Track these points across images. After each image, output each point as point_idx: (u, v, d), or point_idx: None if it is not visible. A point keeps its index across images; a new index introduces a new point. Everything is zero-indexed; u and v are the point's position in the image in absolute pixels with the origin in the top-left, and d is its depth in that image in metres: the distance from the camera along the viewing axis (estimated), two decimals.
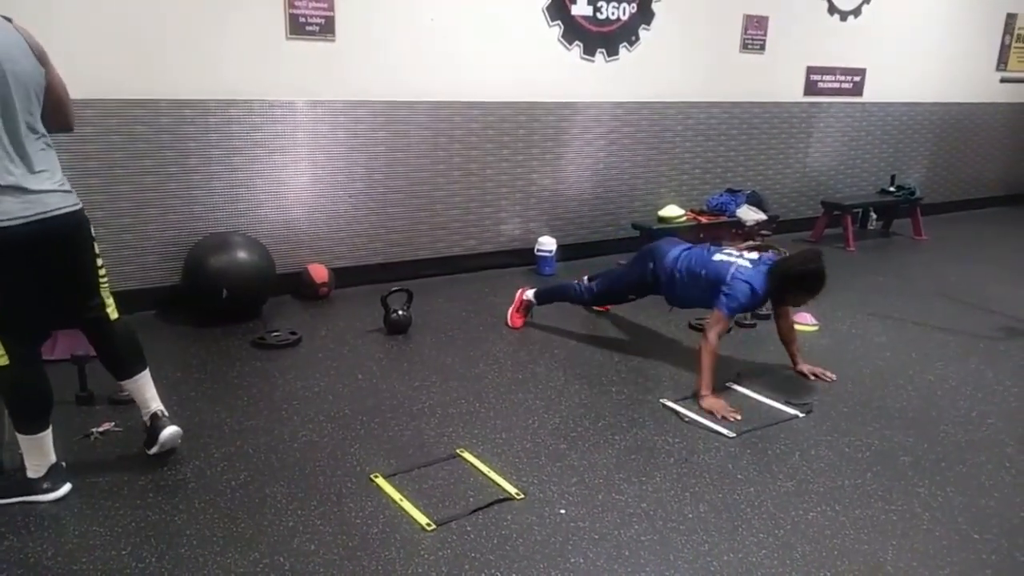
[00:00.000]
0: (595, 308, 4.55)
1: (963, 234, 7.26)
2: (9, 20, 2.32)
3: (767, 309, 4.50)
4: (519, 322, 4.26)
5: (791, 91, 6.64)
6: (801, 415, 3.24)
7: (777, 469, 2.80)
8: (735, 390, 3.48)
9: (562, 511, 2.50)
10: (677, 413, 3.22)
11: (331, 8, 4.43)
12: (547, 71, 5.32)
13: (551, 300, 4.27)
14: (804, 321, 4.38)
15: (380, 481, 2.63)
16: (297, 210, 4.63)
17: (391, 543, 2.31)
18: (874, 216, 7.27)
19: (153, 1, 3.96)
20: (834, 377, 3.63)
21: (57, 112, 2.44)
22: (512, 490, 2.59)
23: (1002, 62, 8.09)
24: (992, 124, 8.29)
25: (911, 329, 4.41)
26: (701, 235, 5.43)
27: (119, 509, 2.43)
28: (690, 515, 2.50)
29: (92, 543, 2.26)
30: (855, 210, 6.86)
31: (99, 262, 2.54)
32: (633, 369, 3.71)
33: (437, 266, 5.19)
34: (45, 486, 2.44)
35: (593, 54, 5.47)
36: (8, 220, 2.21)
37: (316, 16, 4.40)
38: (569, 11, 5.29)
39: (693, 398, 3.34)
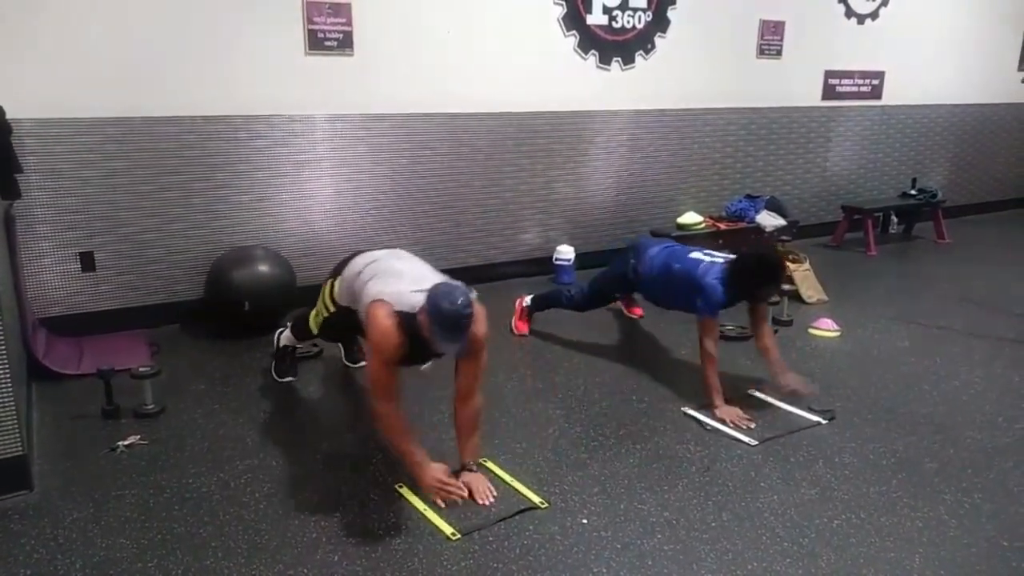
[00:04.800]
0: (625, 313, 4.58)
1: (986, 237, 7.17)
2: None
3: (788, 315, 4.49)
4: (523, 328, 4.29)
5: (809, 96, 6.61)
6: (824, 422, 3.21)
7: (800, 477, 2.78)
8: (756, 397, 3.46)
9: (584, 520, 2.49)
10: (698, 421, 3.21)
11: (349, 23, 4.48)
12: (563, 81, 5.33)
13: (546, 307, 4.30)
14: (826, 326, 4.35)
15: (405, 491, 2.64)
16: (318, 223, 4.67)
17: (414, 553, 2.31)
18: (895, 220, 7.21)
19: (177, 22, 4.03)
20: (815, 391, 3.43)
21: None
22: (536, 499, 2.60)
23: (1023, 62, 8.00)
24: (1014, 125, 8.18)
25: (934, 333, 4.36)
26: (720, 241, 5.41)
27: (145, 522, 2.47)
28: (713, 524, 2.49)
29: (119, 555, 2.29)
30: (876, 214, 6.79)
31: None
32: (653, 377, 3.70)
33: (456, 276, 5.16)
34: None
35: (609, 63, 5.48)
36: None
37: (335, 31, 4.45)
38: (584, 21, 5.31)
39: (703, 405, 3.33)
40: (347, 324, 2.98)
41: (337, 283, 3.05)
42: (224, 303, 4.09)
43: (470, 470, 2.69)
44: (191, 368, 3.75)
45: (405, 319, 2.47)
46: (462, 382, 2.65)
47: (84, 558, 2.28)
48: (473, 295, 2.48)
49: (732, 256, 3.53)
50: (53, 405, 3.30)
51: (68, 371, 3.57)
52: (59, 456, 2.88)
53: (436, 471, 2.52)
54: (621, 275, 3.91)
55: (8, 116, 3.50)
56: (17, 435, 2.56)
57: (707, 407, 3.31)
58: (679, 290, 3.55)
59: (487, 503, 2.57)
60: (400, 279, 2.64)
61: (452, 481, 2.52)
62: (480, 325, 2.53)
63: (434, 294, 2.40)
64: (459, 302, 2.37)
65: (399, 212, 4.92)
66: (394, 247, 4.89)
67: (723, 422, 3.19)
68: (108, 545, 2.34)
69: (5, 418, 2.52)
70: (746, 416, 3.21)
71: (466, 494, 2.55)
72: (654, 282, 3.71)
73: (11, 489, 2.58)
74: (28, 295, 3.84)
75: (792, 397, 3.38)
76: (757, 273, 3.31)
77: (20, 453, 2.58)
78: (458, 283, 2.51)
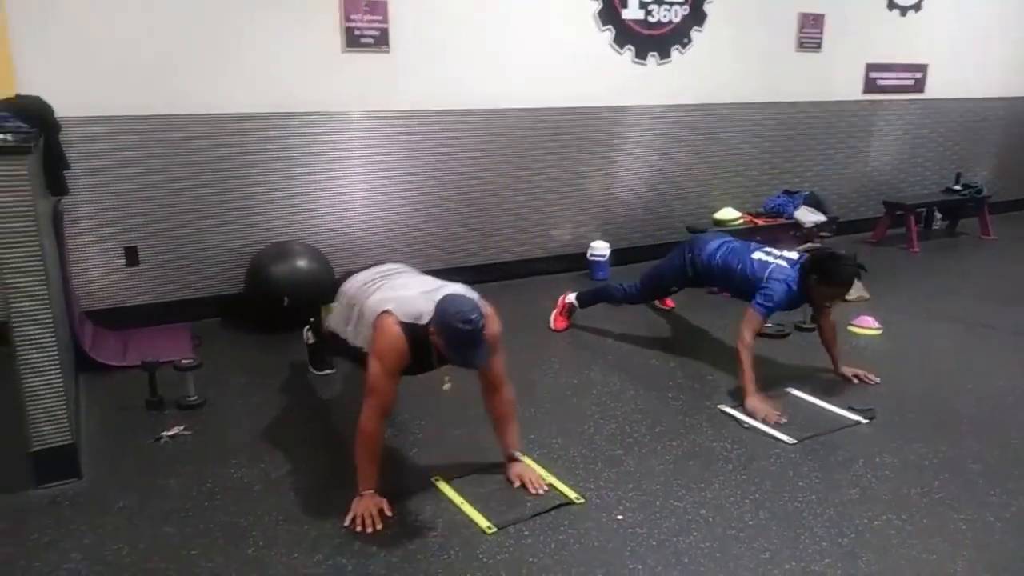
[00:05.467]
0: (657, 305, 4.56)
1: None
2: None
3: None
4: (562, 324, 4.29)
5: (850, 89, 6.49)
6: (864, 421, 3.17)
7: (840, 476, 2.75)
8: (794, 395, 3.42)
9: (620, 517, 2.49)
10: (736, 419, 3.18)
11: (385, 20, 4.51)
12: (599, 76, 5.31)
13: (593, 302, 4.29)
14: (867, 324, 4.28)
15: (442, 484, 2.66)
16: (354, 218, 4.72)
17: (450, 546, 2.34)
18: (939, 216, 7.05)
19: (215, 20, 4.09)
20: (878, 380, 3.55)
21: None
22: (571, 495, 2.60)
23: None
24: None
25: (979, 332, 4.26)
26: (758, 237, 5.34)
27: (189, 511, 2.52)
28: (750, 522, 2.47)
29: (164, 543, 2.35)
30: (919, 210, 6.66)
31: None
32: (689, 374, 3.68)
33: (489, 272, 5.22)
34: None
35: (645, 58, 5.45)
36: None
37: (371, 29, 4.49)
38: (620, 15, 5.28)
39: (740, 401, 3.30)
40: (335, 350, 2.85)
41: (332, 308, 2.96)
42: (264, 297, 4.15)
43: (516, 460, 2.72)
44: (232, 361, 3.81)
45: (411, 329, 2.40)
46: (487, 379, 2.63)
47: (130, 544, 2.34)
48: (477, 298, 2.44)
49: (795, 254, 3.53)
50: (99, 396, 3.39)
51: (114, 363, 3.66)
52: (106, 445, 2.95)
53: (375, 503, 2.46)
54: (679, 269, 3.91)
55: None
56: (67, 424, 2.63)
57: (742, 397, 3.31)
58: (738, 288, 3.64)
59: (540, 492, 2.60)
60: (406, 288, 2.58)
61: (376, 517, 2.43)
62: (492, 324, 2.48)
63: (443, 312, 2.31)
64: (472, 318, 2.27)
65: (433, 207, 4.95)
66: (423, 245, 4.98)
67: (752, 415, 3.17)
68: (153, 533, 2.40)
69: (55, 408, 2.60)
70: (777, 412, 3.17)
71: (380, 527, 2.41)
72: (714, 276, 3.78)
73: (61, 476, 2.65)
74: (75, 289, 3.95)
75: (859, 382, 3.53)
76: (829, 275, 3.31)
77: (69, 442, 2.65)
78: (462, 291, 2.44)
